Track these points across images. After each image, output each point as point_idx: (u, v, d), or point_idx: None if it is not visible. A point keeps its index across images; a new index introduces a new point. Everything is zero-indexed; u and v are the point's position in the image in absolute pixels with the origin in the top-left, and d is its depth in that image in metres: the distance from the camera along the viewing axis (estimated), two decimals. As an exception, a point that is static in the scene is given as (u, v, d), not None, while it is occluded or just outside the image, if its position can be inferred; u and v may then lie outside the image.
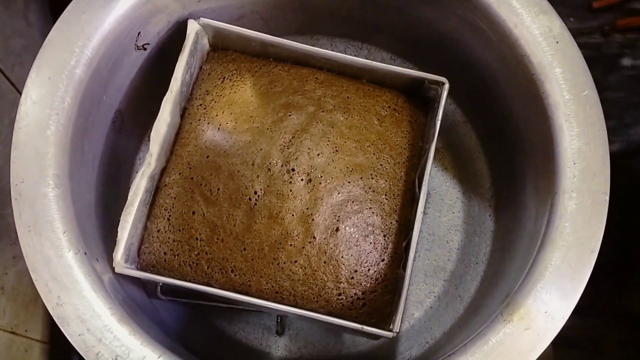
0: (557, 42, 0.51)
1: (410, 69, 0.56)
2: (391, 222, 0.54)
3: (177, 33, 0.56)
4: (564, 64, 0.51)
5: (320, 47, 0.56)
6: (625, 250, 0.75)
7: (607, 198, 0.48)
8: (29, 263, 0.45)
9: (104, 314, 0.45)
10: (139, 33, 0.55)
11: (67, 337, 0.44)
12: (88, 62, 0.50)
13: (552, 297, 0.46)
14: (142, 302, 0.56)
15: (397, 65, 0.57)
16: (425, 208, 0.53)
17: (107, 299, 0.45)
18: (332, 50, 0.57)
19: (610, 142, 0.50)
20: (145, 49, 0.57)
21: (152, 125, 0.53)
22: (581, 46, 0.51)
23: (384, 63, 0.57)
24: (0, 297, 0.56)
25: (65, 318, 0.44)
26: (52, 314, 0.44)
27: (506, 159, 0.61)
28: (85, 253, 0.46)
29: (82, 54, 0.49)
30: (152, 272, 0.52)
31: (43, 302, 0.45)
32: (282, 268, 0.52)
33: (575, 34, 0.52)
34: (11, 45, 0.61)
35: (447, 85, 0.55)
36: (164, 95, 0.53)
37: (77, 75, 0.49)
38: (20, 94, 0.48)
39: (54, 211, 0.46)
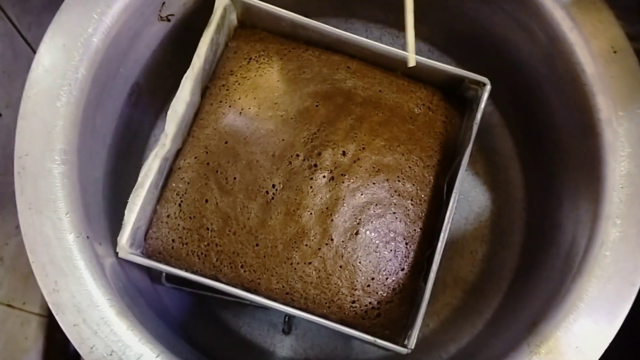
0: (614, 52, 0.47)
1: (449, 64, 0.51)
2: (415, 230, 0.50)
3: (204, 6, 0.53)
4: (620, 76, 0.46)
5: (354, 32, 0.52)
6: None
7: (656, 228, 0.44)
8: (27, 243, 0.42)
9: (102, 305, 0.42)
10: (164, 3, 0.52)
11: (62, 326, 0.41)
12: (107, 30, 0.47)
13: (585, 332, 0.42)
14: (144, 288, 0.54)
15: (435, 59, 0.53)
16: (451, 215, 0.50)
17: (107, 288, 0.43)
18: (367, 37, 0.53)
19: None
20: (169, 20, 0.54)
21: (171, 101, 0.50)
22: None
23: (422, 55, 0.52)
24: (-2, 269, 0.54)
25: (60, 305, 0.41)
26: (47, 299, 0.41)
27: (544, 171, 0.57)
28: (87, 237, 0.43)
29: (101, 22, 0.46)
30: (158, 259, 0.50)
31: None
32: (295, 269, 0.48)
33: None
34: (30, 2, 0.58)
35: (488, 87, 0.50)
36: (186, 70, 0.50)
37: (94, 44, 0.46)
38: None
39: (57, 189, 0.43)
